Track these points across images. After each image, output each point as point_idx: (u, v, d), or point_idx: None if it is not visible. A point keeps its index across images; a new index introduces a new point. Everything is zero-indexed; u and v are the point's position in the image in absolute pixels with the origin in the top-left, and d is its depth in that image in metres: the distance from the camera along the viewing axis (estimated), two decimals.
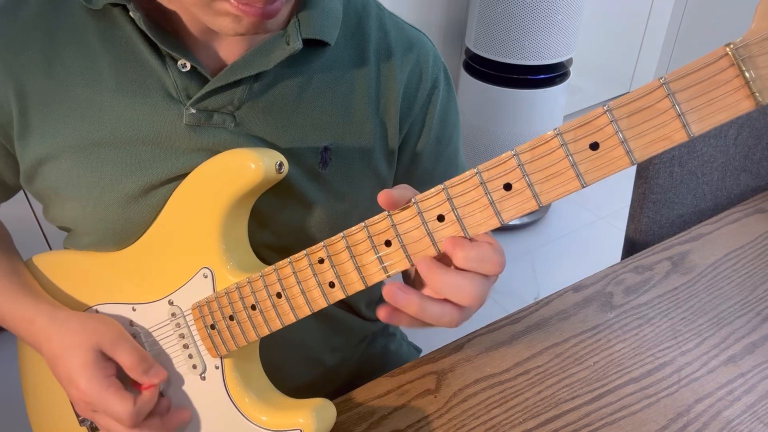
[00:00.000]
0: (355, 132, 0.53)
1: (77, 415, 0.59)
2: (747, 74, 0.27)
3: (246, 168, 0.46)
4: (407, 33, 0.56)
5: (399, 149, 0.58)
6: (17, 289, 0.55)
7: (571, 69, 1.80)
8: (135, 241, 0.53)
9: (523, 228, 1.97)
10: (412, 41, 0.56)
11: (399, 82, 0.54)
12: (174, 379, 0.53)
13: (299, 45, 0.47)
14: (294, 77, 0.50)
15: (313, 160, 0.52)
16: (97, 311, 0.55)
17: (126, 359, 0.49)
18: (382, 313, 0.39)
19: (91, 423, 0.58)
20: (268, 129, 0.50)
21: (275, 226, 0.53)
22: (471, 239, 0.37)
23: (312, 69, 0.51)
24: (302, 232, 0.53)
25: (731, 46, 0.27)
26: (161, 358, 0.53)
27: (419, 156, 0.59)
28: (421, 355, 0.68)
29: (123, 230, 0.52)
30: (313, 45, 0.50)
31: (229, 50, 0.49)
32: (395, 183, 0.59)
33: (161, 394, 0.53)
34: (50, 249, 1.45)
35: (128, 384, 0.50)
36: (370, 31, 0.54)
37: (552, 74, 1.72)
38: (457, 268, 0.37)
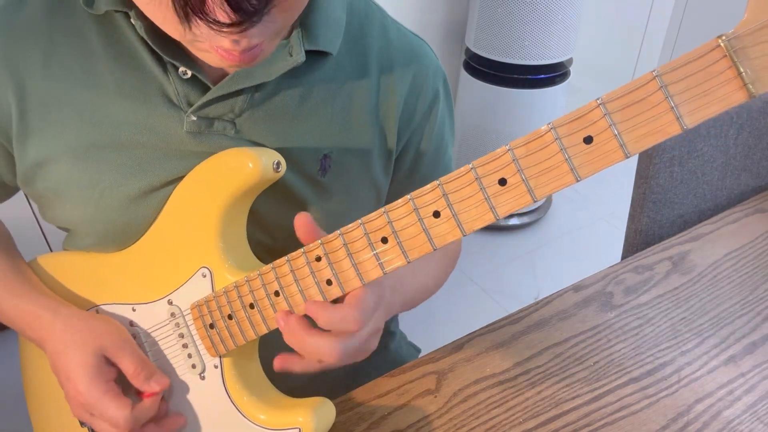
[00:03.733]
0: (354, 140, 0.53)
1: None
2: (740, 65, 0.27)
3: (243, 167, 0.46)
4: (410, 41, 0.56)
5: (399, 157, 0.58)
6: (21, 285, 0.55)
7: (571, 69, 1.80)
8: (135, 242, 0.53)
9: (523, 228, 1.97)
10: (414, 50, 0.55)
11: (400, 91, 0.54)
12: (173, 379, 0.53)
13: (302, 58, 0.47)
14: (295, 86, 0.50)
15: (313, 167, 0.52)
16: (98, 311, 0.55)
17: (129, 366, 0.49)
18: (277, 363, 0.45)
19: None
20: (268, 136, 0.50)
21: (271, 228, 0.53)
22: (331, 302, 0.42)
23: (313, 78, 0.50)
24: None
25: (723, 37, 0.27)
26: (160, 358, 0.53)
27: (419, 164, 0.59)
28: (421, 355, 0.67)
29: (123, 231, 0.52)
30: (316, 55, 0.49)
31: None
32: (394, 190, 0.59)
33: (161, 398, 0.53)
34: (50, 249, 1.45)
35: (129, 389, 0.50)
36: (373, 40, 0.53)
37: (552, 74, 1.72)
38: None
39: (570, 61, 1.78)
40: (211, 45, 0.39)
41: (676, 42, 2.52)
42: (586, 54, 2.20)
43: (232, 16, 0.33)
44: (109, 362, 0.50)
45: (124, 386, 0.50)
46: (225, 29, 0.34)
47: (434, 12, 1.87)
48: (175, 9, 0.33)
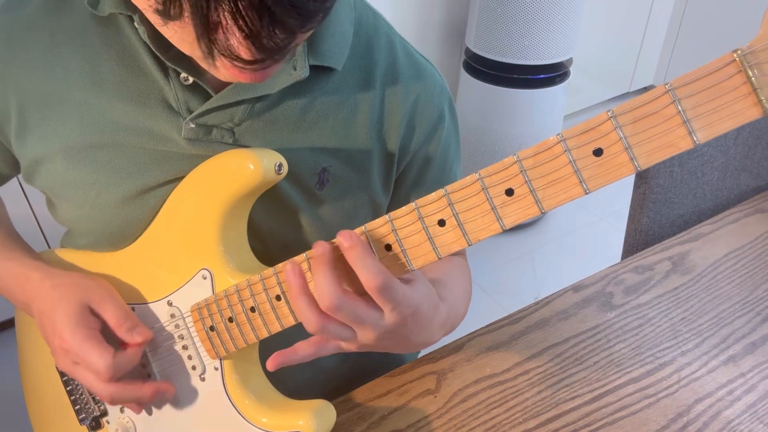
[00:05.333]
0: (354, 154, 0.53)
1: (77, 414, 0.59)
2: (754, 81, 0.27)
3: (245, 168, 0.46)
4: (416, 61, 0.55)
5: (402, 175, 0.57)
6: (14, 249, 0.56)
7: (571, 69, 1.80)
8: (131, 242, 0.53)
9: (523, 228, 1.97)
10: (420, 70, 0.55)
11: (403, 109, 0.53)
12: (173, 380, 0.53)
13: (306, 72, 0.47)
14: (297, 99, 0.50)
15: (311, 180, 0.52)
16: None
17: (111, 316, 0.49)
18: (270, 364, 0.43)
19: (91, 422, 0.58)
20: (266, 146, 0.49)
21: (263, 235, 0.53)
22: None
23: (316, 92, 0.50)
24: (290, 244, 0.53)
25: (738, 52, 0.27)
26: (160, 359, 0.53)
27: (422, 183, 0.59)
28: (421, 355, 0.68)
29: (119, 231, 0.52)
30: (320, 69, 0.49)
31: None
32: (395, 207, 0.59)
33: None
34: (49, 248, 1.45)
35: (116, 346, 0.49)
36: (379, 56, 0.53)
37: (552, 74, 1.72)
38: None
39: (570, 61, 1.78)
40: (224, 64, 0.39)
41: (675, 42, 2.52)
42: (586, 54, 2.20)
43: (257, 56, 0.33)
44: (94, 314, 0.50)
45: (110, 343, 0.50)
46: (247, 66, 0.34)
47: (434, 12, 1.87)
48: (200, 47, 0.33)
